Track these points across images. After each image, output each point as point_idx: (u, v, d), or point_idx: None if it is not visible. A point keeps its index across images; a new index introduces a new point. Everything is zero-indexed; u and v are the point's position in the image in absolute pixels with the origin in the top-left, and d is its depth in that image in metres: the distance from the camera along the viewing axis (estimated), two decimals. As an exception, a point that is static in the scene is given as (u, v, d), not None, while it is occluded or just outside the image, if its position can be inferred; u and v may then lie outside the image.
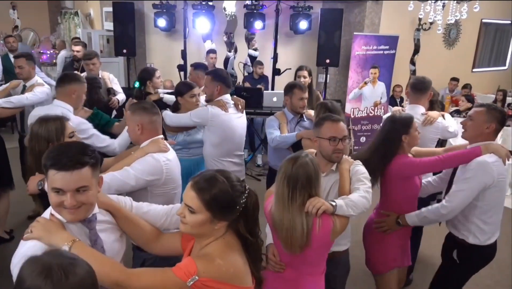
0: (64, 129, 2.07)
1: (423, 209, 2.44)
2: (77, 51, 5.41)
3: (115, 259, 1.49)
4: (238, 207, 1.46)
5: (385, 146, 2.45)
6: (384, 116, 3.22)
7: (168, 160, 2.16)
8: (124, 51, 6.33)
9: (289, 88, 3.20)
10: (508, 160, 2.31)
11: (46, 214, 1.50)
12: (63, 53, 7.50)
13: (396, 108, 3.26)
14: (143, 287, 1.39)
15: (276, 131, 3.11)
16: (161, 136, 2.28)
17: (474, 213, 2.37)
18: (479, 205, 2.35)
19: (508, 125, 6.24)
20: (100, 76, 4.38)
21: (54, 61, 8.57)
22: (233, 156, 3.24)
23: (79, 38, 7.61)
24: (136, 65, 6.68)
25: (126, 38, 6.26)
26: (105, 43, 7.93)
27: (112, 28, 6.45)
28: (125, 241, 1.69)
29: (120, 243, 1.64)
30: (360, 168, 2.13)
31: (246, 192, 1.49)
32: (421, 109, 3.14)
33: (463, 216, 2.41)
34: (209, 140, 3.15)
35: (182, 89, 3.17)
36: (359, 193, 1.95)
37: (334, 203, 1.84)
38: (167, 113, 3.09)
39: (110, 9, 6.45)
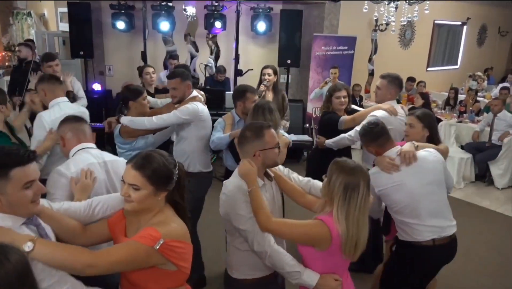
0: None
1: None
2: (18, 51, 5.20)
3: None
4: (174, 177, 1.64)
5: None
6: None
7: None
8: (81, 53, 6.13)
9: (242, 93, 3.22)
10: (392, 170, 2.37)
11: None
12: None
13: (387, 105, 3.27)
14: (114, 262, 1.48)
15: (218, 133, 3.15)
16: (89, 144, 2.16)
17: (392, 212, 2.49)
18: (390, 207, 2.47)
19: (460, 122, 6.56)
20: (61, 78, 4.19)
21: (7, 64, 8.21)
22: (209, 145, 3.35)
23: (32, 39, 7.30)
24: (94, 67, 6.51)
25: (83, 39, 6.06)
26: (61, 45, 7.66)
27: (68, 29, 6.24)
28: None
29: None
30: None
31: (177, 164, 1.68)
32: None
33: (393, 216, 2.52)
34: (196, 135, 3.16)
35: (134, 94, 3.13)
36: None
37: None
38: (145, 119, 3.00)
39: (65, 9, 6.24)
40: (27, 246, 1.37)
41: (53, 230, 1.64)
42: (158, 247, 1.49)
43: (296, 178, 2.19)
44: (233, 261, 2.04)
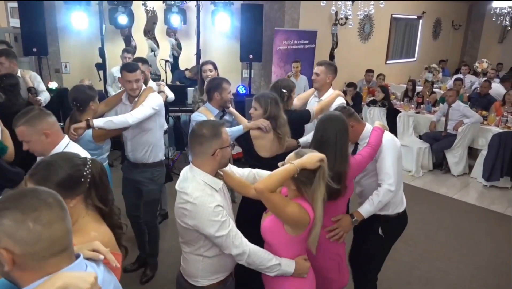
0: None
1: (373, 198, 2.47)
2: None
3: None
4: (83, 180, 1.47)
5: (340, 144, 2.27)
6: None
7: None
8: (34, 50, 5.85)
9: (218, 84, 3.18)
10: None
11: None
12: None
13: (340, 92, 3.58)
14: None
15: None
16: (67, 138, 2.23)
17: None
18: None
19: (418, 112, 6.79)
20: (18, 75, 4.03)
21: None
22: None
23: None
24: (49, 65, 6.25)
25: (36, 36, 5.78)
26: (13, 42, 7.30)
27: (19, 25, 5.95)
28: None
29: None
30: None
31: (89, 162, 1.51)
32: None
33: None
34: (159, 125, 3.19)
35: (94, 94, 3.02)
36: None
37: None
38: (126, 117, 2.90)
39: (16, 4, 5.94)
40: None
41: None
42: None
43: (237, 171, 2.15)
44: (197, 270, 1.94)
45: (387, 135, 2.56)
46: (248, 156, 2.96)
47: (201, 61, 6.56)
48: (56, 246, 1.03)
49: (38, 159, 2.19)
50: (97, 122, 2.79)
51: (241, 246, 1.82)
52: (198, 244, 1.88)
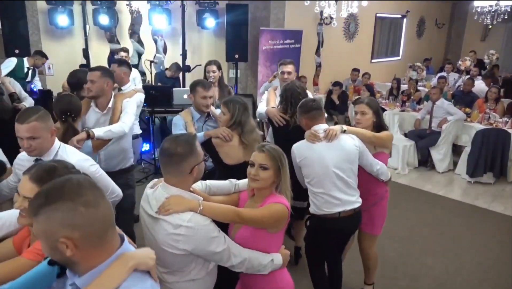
0: None
1: None
2: None
3: None
4: None
5: None
6: None
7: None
8: (16, 51, 5.75)
9: (193, 86, 3.16)
10: (314, 140, 2.63)
11: None
12: None
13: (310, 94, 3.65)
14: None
15: (181, 132, 3.01)
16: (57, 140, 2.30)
17: (307, 185, 2.71)
18: (307, 178, 2.69)
19: (403, 110, 6.86)
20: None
21: None
22: None
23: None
24: (32, 67, 6.15)
25: (18, 37, 5.68)
26: (-6, 43, 7.18)
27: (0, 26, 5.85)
28: None
29: None
30: None
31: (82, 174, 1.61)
32: None
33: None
34: (131, 131, 3.15)
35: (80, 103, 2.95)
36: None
37: None
38: (120, 125, 2.86)
39: (-4, 5, 5.84)
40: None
41: None
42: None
43: (195, 186, 2.00)
44: None
45: (294, 144, 2.69)
46: (215, 163, 2.92)
47: (186, 62, 6.58)
48: (107, 221, 1.10)
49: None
50: (97, 132, 2.74)
51: (240, 254, 1.76)
52: (188, 269, 1.76)
